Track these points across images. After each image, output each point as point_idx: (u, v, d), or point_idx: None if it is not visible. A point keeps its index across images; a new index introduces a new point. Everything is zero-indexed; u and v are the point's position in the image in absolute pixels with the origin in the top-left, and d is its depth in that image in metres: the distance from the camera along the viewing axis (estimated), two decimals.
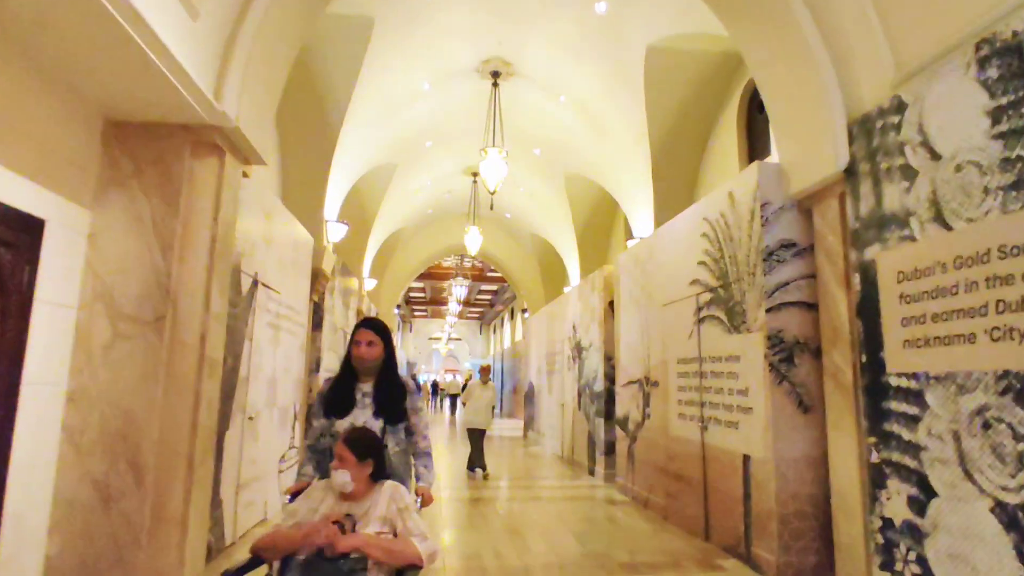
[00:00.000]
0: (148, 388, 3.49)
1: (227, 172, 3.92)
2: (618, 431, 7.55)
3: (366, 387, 2.70)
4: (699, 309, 5.40)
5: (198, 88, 3.36)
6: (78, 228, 3.45)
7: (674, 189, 7.92)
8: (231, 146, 3.96)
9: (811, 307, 4.34)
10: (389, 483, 2.28)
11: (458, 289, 18.20)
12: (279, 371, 5.97)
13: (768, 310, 4.34)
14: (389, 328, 2.81)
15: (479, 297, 31.77)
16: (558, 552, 4.71)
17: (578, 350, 9.68)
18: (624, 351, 7.45)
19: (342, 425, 2.59)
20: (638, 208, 8.58)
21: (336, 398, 2.68)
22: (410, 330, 40.03)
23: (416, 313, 38.38)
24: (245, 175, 4.55)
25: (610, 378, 8.22)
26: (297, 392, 6.81)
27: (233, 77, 3.65)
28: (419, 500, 2.58)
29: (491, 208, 10.69)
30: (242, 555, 2.20)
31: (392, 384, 2.71)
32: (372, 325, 2.73)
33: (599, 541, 5.04)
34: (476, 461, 8.58)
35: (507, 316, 31.00)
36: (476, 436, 8.56)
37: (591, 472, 8.58)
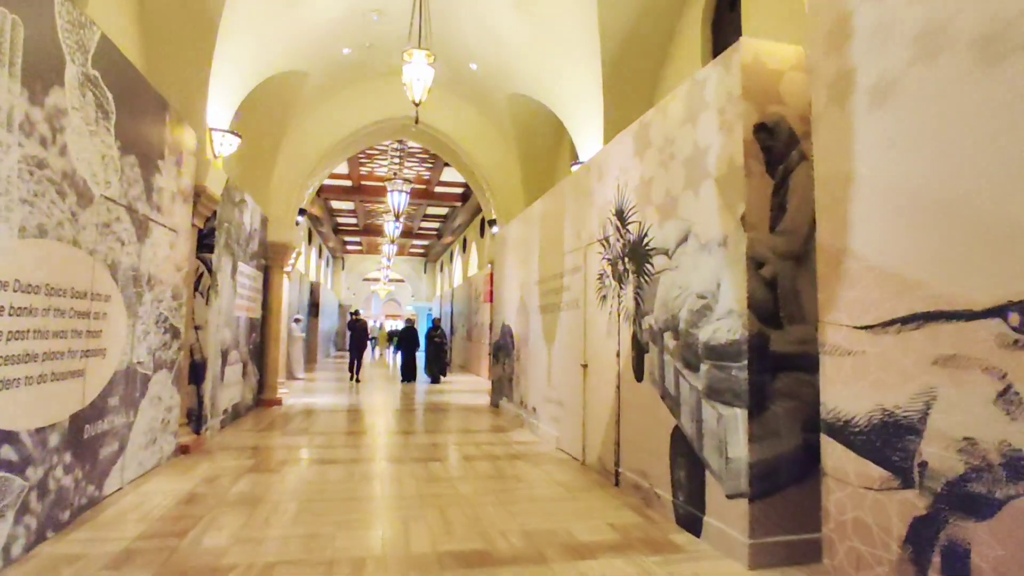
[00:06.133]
0: None
1: None
2: (832, 449, 2.71)
3: None
4: None
5: None
6: None
7: None
8: None
9: None
10: None
11: (397, 196, 12.85)
12: None
13: None
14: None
15: (423, 226, 26.34)
16: None
17: (635, 258, 4.73)
18: (873, 225, 2.54)
19: None
20: None
21: None
22: (342, 267, 34.23)
23: (348, 247, 32.52)
24: None
25: (763, 313, 3.36)
26: None
27: None
28: None
29: None
30: None
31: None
32: None
33: None
34: None
35: (457, 249, 25.99)
36: None
37: (692, 527, 3.78)
